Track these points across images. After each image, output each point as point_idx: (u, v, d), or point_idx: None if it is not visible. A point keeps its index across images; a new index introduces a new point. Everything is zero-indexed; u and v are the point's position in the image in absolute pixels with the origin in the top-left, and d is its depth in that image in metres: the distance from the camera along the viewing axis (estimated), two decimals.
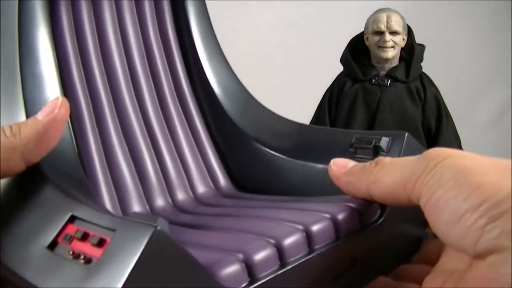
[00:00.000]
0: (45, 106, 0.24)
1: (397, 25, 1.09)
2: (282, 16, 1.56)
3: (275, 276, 0.20)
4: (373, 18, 1.12)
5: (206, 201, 0.35)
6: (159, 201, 0.34)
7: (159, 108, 0.37)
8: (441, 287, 0.22)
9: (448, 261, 0.24)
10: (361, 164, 0.26)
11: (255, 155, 0.35)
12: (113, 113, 0.35)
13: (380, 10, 1.12)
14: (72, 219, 0.19)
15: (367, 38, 1.12)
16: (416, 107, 1.08)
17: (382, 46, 1.09)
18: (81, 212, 0.20)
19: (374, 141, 0.28)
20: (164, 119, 0.37)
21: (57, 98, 0.24)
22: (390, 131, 0.27)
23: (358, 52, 1.13)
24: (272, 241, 0.21)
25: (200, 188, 0.36)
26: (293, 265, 0.21)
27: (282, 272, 0.21)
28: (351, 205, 0.25)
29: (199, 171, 0.37)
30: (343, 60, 1.14)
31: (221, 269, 0.19)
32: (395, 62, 1.11)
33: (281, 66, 1.48)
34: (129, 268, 0.15)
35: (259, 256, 0.20)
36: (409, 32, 1.12)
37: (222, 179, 0.37)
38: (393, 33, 1.09)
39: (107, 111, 0.34)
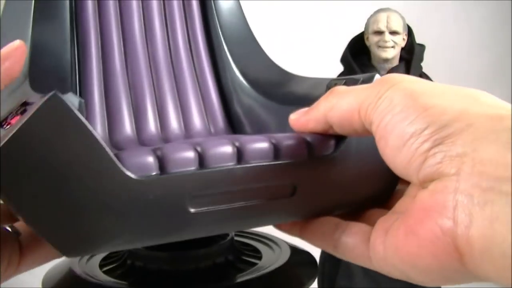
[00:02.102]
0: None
1: (397, 25, 1.10)
2: (282, 16, 1.56)
3: (186, 174, 0.21)
4: (373, 18, 1.12)
5: (195, 136, 0.36)
6: (149, 130, 0.35)
7: (168, 46, 0.39)
8: (391, 224, 0.21)
9: (403, 202, 0.23)
10: (317, 101, 0.25)
11: (249, 100, 0.36)
12: (120, 44, 0.37)
13: (380, 10, 1.12)
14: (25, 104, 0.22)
15: (367, 38, 1.12)
16: None
17: (382, 46, 1.09)
18: (33, 98, 0.22)
19: (344, 82, 0.27)
20: (173, 56, 0.38)
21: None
22: (367, 74, 0.26)
23: (358, 52, 1.13)
24: (198, 148, 0.22)
25: (195, 126, 0.37)
26: (211, 170, 0.21)
27: (195, 173, 0.21)
28: (304, 136, 0.24)
29: (197, 110, 0.38)
30: (343, 60, 1.14)
31: (130, 155, 0.20)
32: (395, 62, 1.11)
33: (281, 66, 1.48)
34: (18, 126, 0.17)
35: (175, 154, 0.21)
36: (409, 32, 1.13)
37: (220, 121, 0.38)
38: (393, 33, 1.09)
39: (115, 39, 0.36)
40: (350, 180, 0.25)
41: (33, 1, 0.34)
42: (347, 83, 0.24)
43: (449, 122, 0.18)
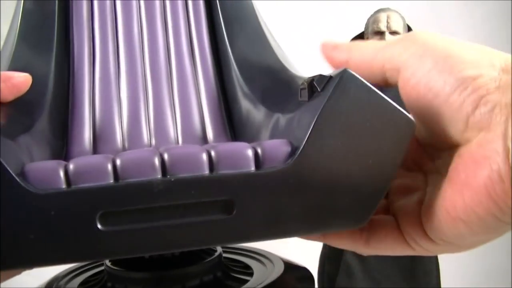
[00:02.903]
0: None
1: (397, 25, 1.09)
2: (282, 16, 1.56)
3: (95, 188, 0.19)
4: (373, 18, 1.12)
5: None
6: (141, 141, 0.34)
7: (168, 52, 0.37)
8: (425, 196, 0.22)
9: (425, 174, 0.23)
10: (349, 42, 0.26)
11: (251, 109, 0.34)
12: (115, 48, 0.36)
13: (380, 10, 1.12)
14: None
15: (367, 38, 1.12)
16: None
17: None
18: None
19: (311, 80, 0.24)
20: (175, 63, 0.37)
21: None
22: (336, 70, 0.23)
23: None
24: (116, 159, 0.20)
25: (192, 136, 0.35)
26: (126, 183, 0.19)
27: (106, 187, 0.19)
28: (253, 145, 0.21)
29: (197, 119, 0.35)
30: None
31: (37, 167, 0.19)
32: None
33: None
34: None
35: (86, 167, 0.19)
36: None
37: (221, 130, 0.35)
38: (393, 33, 1.09)
39: (110, 43, 0.35)
40: (307, 198, 0.20)
41: (22, 1, 0.34)
42: (316, 80, 0.22)
43: (498, 74, 0.19)
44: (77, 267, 0.37)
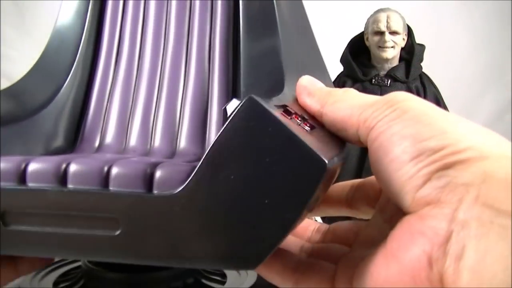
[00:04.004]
0: None
1: (397, 25, 1.09)
2: None
3: (3, 188, 0.21)
4: (373, 18, 1.12)
5: (181, 155, 0.35)
6: (133, 143, 0.35)
7: (187, 55, 0.38)
8: (362, 255, 0.20)
9: (371, 232, 0.21)
10: (329, 88, 0.24)
11: None
12: (132, 49, 0.38)
13: (380, 10, 1.12)
14: None
15: (367, 38, 1.12)
16: None
17: (382, 46, 1.09)
18: None
19: (226, 105, 0.23)
20: (189, 68, 0.37)
21: None
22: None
23: (358, 52, 1.13)
24: (23, 163, 0.21)
25: (184, 144, 0.35)
26: (26, 188, 0.21)
27: (10, 189, 0.21)
28: (147, 167, 0.20)
29: (196, 128, 0.36)
30: (343, 60, 1.14)
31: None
32: (395, 62, 1.11)
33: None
34: None
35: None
36: (409, 32, 1.12)
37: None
38: (393, 33, 1.09)
39: (126, 43, 0.37)
40: (193, 229, 0.19)
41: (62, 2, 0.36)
42: (228, 105, 0.21)
43: (464, 150, 0.17)
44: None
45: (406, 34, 1.12)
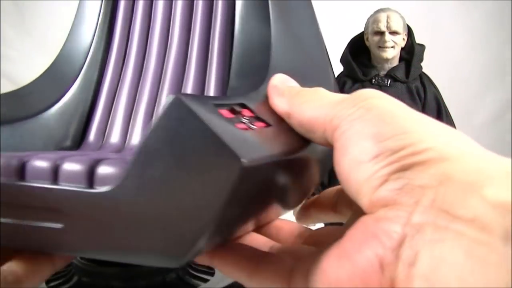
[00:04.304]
0: None
1: (397, 25, 1.09)
2: None
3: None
4: (373, 18, 1.12)
5: None
6: (134, 141, 0.36)
7: (185, 55, 0.38)
8: (319, 250, 0.19)
9: (332, 231, 0.21)
10: (300, 87, 0.23)
11: None
12: (141, 47, 0.39)
13: (380, 10, 1.12)
14: None
15: (367, 38, 1.12)
16: (416, 107, 1.08)
17: (382, 46, 1.09)
18: None
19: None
20: (186, 68, 0.38)
21: None
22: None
23: (358, 52, 1.13)
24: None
25: None
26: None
27: None
28: (91, 164, 0.21)
29: None
30: (343, 60, 1.14)
31: None
32: (395, 62, 1.11)
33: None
34: None
35: None
36: (409, 32, 1.12)
37: None
38: (393, 33, 1.09)
39: (135, 41, 0.39)
40: (124, 226, 0.20)
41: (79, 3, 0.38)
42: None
43: (424, 151, 0.16)
44: None
45: (406, 34, 1.12)
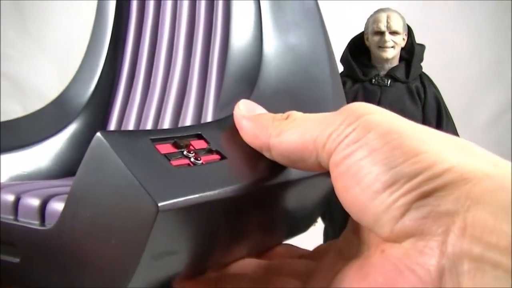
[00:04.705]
0: None
1: (397, 25, 1.09)
2: None
3: None
4: (373, 18, 1.12)
5: None
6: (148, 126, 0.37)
7: (188, 59, 0.39)
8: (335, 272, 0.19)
9: (349, 248, 0.20)
10: (271, 114, 0.21)
11: None
12: (150, 49, 0.39)
13: (380, 10, 1.12)
14: None
15: (367, 38, 1.12)
16: (416, 107, 1.08)
17: (382, 46, 1.09)
18: None
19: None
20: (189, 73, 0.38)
21: None
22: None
23: (358, 52, 1.13)
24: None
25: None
26: None
27: None
28: (43, 200, 0.22)
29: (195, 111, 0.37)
30: (343, 60, 1.14)
31: None
32: (395, 62, 1.11)
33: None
34: None
35: None
36: (409, 32, 1.12)
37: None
38: (393, 33, 1.09)
39: (146, 44, 0.39)
40: (64, 266, 0.20)
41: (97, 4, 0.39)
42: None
43: (443, 173, 0.16)
44: None
45: (406, 34, 1.12)
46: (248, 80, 0.31)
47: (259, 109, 0.22)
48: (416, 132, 0.17)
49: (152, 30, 0.39)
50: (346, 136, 0.17)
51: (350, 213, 0.18)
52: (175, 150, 0.20)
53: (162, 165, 0.18)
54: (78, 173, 0.18)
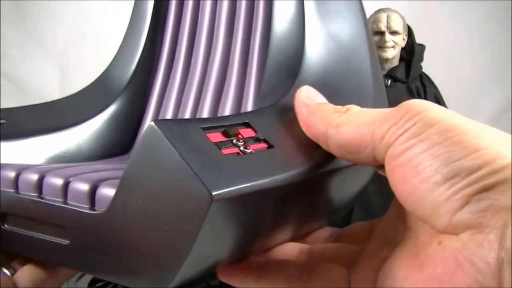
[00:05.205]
0: None
1: (397, 25, 1.10)
2: None
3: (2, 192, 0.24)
4: (373, 18, 1.12)
5: None
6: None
7: (227, 57, 0.38)
8: (384, 260, 0.19)
9: (399, 237, 0.20)
10: (332, 105, 0.22)
11: None
12: (188, 47, 0.39)
13: (380, 10, 1.12)
14: None
15: None
16: None
17: (382, 46, 1.09)
18: None
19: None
20: (228, 69, 0.38)
21: None
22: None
23: None
24: (19, 171, 0.24)
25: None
26: (16, 195, 0.23)
27: (6, 193, 0.24)
28: (95, 185, 0.22)
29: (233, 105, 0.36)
30: None
31: None
32: (395, 62, 1.11)
33: None
34: None
35: None
36: (409, 32, 1.13)
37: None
38: (393, 33, 1.09)
39: (184, 42, 0.39)
40: (114, 249, 0.21)
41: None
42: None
43: (503, 169, 0.16)
44: None
45: (406, 34, 1.12)
46: (290, 69, 0.30)
47: (321, 98, 0.23)
48: (475, 128, 0.18)
49: (192, 14, 0.39)
50: (406, 130, 0.18)
51: (404, 204, 0.18)
52: (225, 139, 0.20)
53: (214, 154, 0.18)
54: (131, 160, 0.19)
